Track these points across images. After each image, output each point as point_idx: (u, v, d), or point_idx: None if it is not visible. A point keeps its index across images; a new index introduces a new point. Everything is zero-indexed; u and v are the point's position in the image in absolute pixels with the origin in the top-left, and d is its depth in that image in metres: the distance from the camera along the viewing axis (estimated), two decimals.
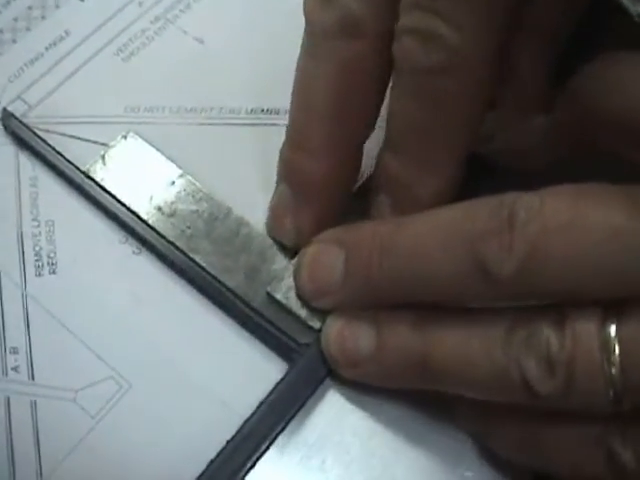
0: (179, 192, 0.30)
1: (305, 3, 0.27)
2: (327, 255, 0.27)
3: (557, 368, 0.22)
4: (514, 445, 0.25)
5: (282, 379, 0.28)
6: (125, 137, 0.31)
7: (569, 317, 0.22)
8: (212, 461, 0.26)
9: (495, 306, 0.23)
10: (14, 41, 0.34)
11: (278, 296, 0.28)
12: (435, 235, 0.24)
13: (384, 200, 0.28)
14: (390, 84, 0.27)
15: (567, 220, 0.22)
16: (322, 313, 0.27)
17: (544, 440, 0.24)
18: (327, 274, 0.27)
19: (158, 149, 0.31)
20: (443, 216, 0.24)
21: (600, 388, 0.22)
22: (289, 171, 0.28)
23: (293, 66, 0.27)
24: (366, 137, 0.28)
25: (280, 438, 0.27)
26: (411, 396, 0.27)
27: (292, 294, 0.28)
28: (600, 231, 0.21)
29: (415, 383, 0.25)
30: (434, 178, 0.26)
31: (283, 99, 0.29)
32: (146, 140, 0.31)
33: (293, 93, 0.28)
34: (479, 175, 0.32)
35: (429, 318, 0.25)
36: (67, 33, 0.34)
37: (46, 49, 0.34)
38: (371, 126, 0.28)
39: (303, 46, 0.27)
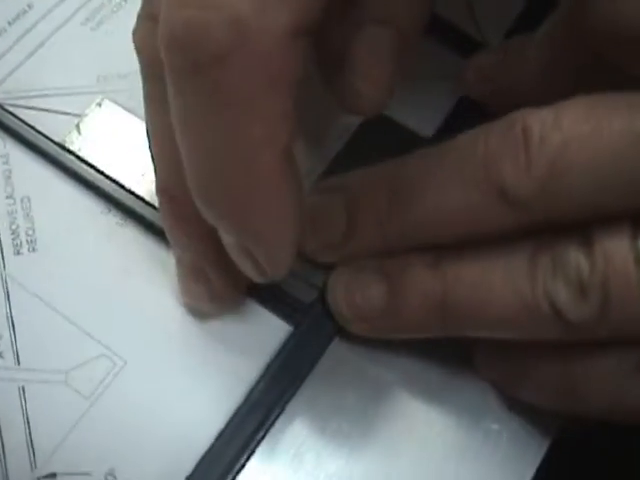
0: None
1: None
2: (328, 204, 0.25)
3: (590, 291, 0.20)
4: (545, 389, 0.23)
5: (287, 342, 0.26)
6: (100, 105, 0.29)
7: (596, 235, 0.20)
8: (220, 433, 0.24)
9: (516, 233, 0.22)
10: None
11: None
12: (445, 165, 0.22)
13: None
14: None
15: (587, 130, 0.20)
16: (325, 268, 0.26)
17: (578, 377, 0.22)
18: (330, 225, 0.25)
19: (135, 115, 0.29)
20: (450, 145, 0.23)
21: (638, 308, 0.20)
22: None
23: None
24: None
25: (291, 404, 0.25)
26: (426, 348, 0.25)
27: None
28: (623, 138, 0.20)
29: (434, 330, 0.23)
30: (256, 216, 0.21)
31: None
32: (122, 107, 0.29)
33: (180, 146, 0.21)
34: (471, 120, 0.30)
35: (444, 256, 0.23)
36: (30, 7, 0.32)
37: (9, 24, 0.32)
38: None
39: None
